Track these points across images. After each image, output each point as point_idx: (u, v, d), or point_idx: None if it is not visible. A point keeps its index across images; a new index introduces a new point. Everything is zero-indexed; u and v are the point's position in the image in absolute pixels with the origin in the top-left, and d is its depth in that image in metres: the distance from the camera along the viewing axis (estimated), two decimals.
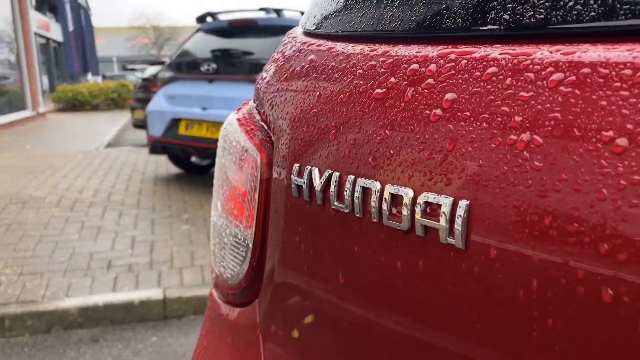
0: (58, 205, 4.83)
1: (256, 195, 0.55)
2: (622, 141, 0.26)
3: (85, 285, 3.22)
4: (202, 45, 5.44)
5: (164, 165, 6.73)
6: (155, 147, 5.49)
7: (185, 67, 5.52)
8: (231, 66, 5.11)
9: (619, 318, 0.25)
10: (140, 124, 9.42)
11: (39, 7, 27.90)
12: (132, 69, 37.55)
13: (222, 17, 5.51)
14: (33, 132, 11.48)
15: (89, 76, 28.34)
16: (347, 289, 0.43)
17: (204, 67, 5.14)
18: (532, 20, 0.32)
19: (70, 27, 23.22)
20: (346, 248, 0.42)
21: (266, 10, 5.34)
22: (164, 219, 4.49)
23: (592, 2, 0.29)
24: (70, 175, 6.14)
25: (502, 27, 0.34)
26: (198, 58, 5.35)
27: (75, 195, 5.18)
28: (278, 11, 5.25)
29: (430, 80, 0.36)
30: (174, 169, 6.45)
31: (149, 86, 9.65)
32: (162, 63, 10.56)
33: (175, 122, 5.22)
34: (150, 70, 11.66)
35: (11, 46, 14.41)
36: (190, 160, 6.22)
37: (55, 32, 26.57)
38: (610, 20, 0.29)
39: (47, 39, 27.14)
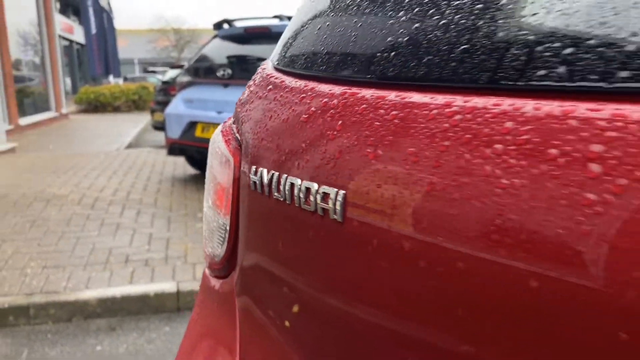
0: (79, 203, 5.05)
1: (231, 190, 0.73)
2: (415, 156, 0.43)
3: (104, 278, 3.42)
4: (219, 51, 5.64)
5: (181, 166, 6.94)
6: (173, 148, 5.70)
7: (202, 72, 5.72)
8: (246, 71, 5.29)
9: (430, 270, 0.41)
10: (160, 126, 9.67)
11: (63, 11, 28.42)
12: (153, 71, 37.94)
13: (238, 24, 5.70)
14: (56, 132, 11.81)
15: (111, 78, 28.77)
16: (283, 257, 0.60)
17: (219, 73, 5.33)
18: (390, 73, 0.49)
19: (93, 30, 23.63)
20: (282, 226, 0.59)
21: (280, 17, 5.52)
22: (180, 217, 4.68)
23: (422, 65, 0.45)
24: (91, 175, 6.39)
25: (375, 76, 0.50)
26: (214, 63, 5.55)
27: (96, 194, 5.41)
28: (291, 19, 5.42)
29: (332, 111, 0.53)
30: (190, 170, 6.66)
31: (168, 89, 9.89)
32: (181, 67, 10.80)
33: (192, 125, 5.42)
34: (170, 74, 11.93)
35: (36, 48, 14.77)
36: (206, 161, 6.41)
37: (79, 35, 27.01)
38: (429, 76, 0.45)
39: (71, 41, 27.61)
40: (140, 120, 14.56)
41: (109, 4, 37.25)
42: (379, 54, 0.51)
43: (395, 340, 0.47)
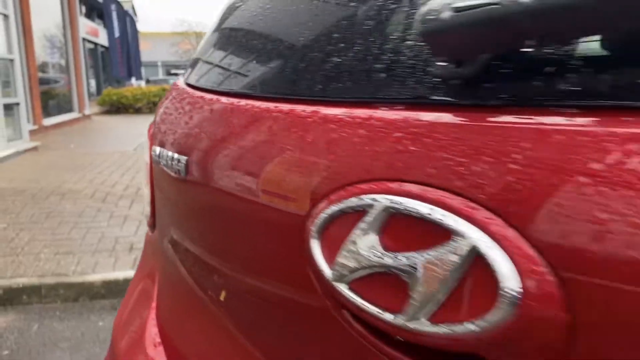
0: (92, 197, 5.42)
1: (149, 165, 1.03)
2: (221, 134, 0.72)
3: (109, 264, 3.75)
4: None
5: None
6: None
7: None
8: None
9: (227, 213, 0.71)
10: None
11: (89, 15, 29.01)
12: (175, 74, 38.16)
13: None
14: (78, 132, 12.28)
15: (133, 80, 29.36)
16: (168, 207, 0.90)
17: None
18: (264, 88, 0.78)
19: (116, 34, 24.12)
20: (165, 183, 0.89)
21: None
22: None
23: (247, 81, 0.75)
24: (105, 172, 6.77)
25: (208, 86, 0.80)
26: None
27: (108, 189, 5.78)
28: None
29: (190, 108, 0.82)
30: None
31: None
32: None
33: None
34: None
35: (61, 52, 15.27)
36: None
37: (104, 38, 27.58)
38: (298, 90, 0.74)
39: (96, 44, 28.26)
40: None
41: (132, 8, 37.62)
42: (219, 73, 0.81)
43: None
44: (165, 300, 0.98)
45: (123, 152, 8.65)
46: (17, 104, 9.52)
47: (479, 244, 0.39)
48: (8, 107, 9.21)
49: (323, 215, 0.51)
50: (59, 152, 8.67)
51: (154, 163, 0.94)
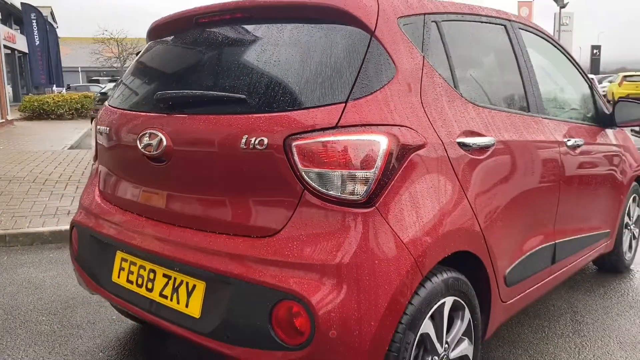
0: (34, 182, 6.90)
1: (94, 134, 2.75)
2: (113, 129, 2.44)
3: (54, 222, 5.30)
4: None
5: None
6: None
7: None
8: None
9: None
10: None
11: (5, 20, 29.06)
12: (97, 80, 38.30)
13: None
14: (4, 136, 13.31)
15: (54, 87, 29.57)
16: (99, 145, 2.62)
17: None
18: (145, 104, 2.49)
19: (37, 42, 24.61)
20: (100, 138, 2.59)
21: None
22: None
23: (137, 101, 2.46)
24: (42, 165, 8.19)
25: (119, 105, 2.52)
26: None
27: (46, 177, 7.26)
28: None
29: (113, 117, 2.51)
30: None
31: (105, 99, 11.73)
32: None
33: None
34: (109, 86, 13.86)
35: None
36: None
37: (21, 44, 27.61)
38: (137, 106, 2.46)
39: (13, 49, 28.29)
40: (83, 127, 16.05)
41: (52, 14, 37.49)
42: (122, 96, 2.56)
43: None
44: (102, 178, 2.71)
45: (54, 151, 10.01)
46: None
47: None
48: None
49: None
50: None
51: (98, 133, 2.66)
